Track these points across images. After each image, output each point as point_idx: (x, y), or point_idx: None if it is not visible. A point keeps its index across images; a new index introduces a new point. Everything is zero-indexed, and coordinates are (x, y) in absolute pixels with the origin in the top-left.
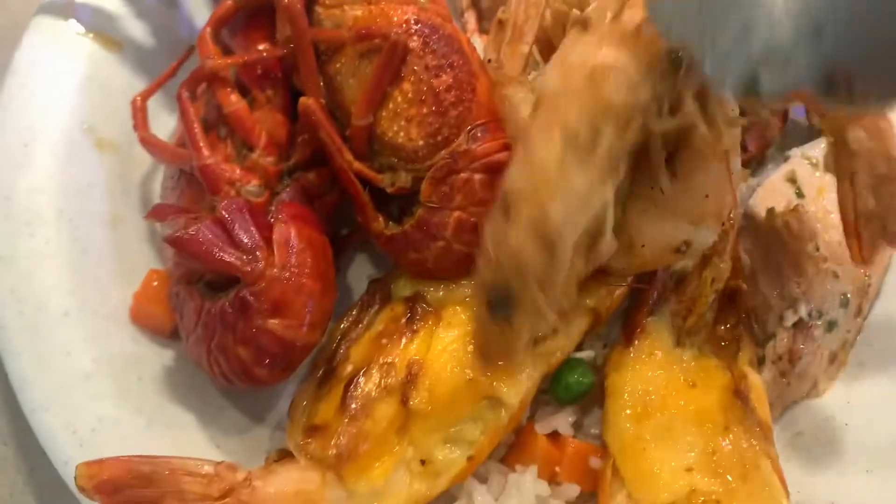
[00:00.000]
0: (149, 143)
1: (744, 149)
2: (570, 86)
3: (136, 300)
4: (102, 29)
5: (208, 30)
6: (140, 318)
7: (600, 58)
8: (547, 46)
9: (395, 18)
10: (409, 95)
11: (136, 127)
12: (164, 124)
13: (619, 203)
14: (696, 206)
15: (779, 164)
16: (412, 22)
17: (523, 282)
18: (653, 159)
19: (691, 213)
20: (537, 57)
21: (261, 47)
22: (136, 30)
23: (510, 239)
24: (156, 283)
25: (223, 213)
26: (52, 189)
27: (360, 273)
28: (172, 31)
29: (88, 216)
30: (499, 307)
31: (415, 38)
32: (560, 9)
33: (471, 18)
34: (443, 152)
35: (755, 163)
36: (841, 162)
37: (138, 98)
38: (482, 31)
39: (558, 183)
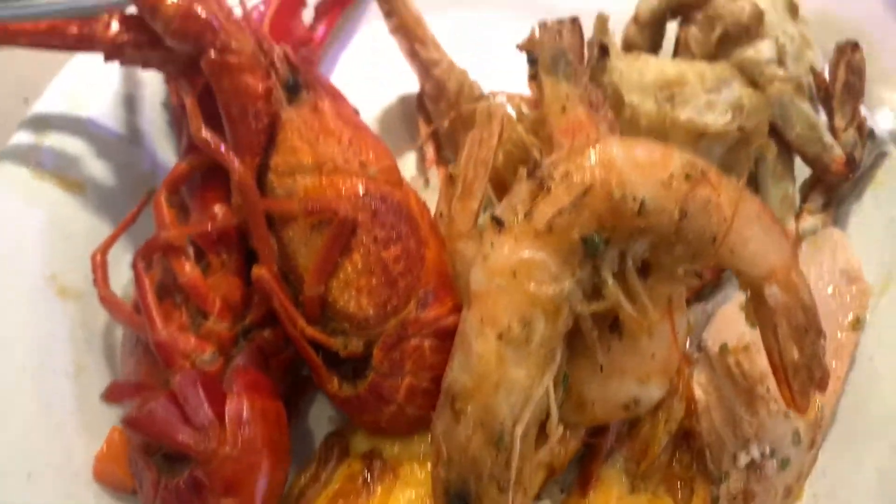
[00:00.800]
0: (108, 302)
1: (699, 275)
2: (496, 285)
3: (98, 461)
4: (64, 171)
5: (164, 193)
6: (104, 478)
7: (519, 256)
8: (500, 186)
9: (344, 191)
10: (359, 266)
11: (95, 283)
12: (129, 269)
13: (558, 385)
14: (642, 365)
15: (735, 288)
16: (360, 194)
17: (478, 479)
18: (587, 340)
19: (638, 372)
20: (491, 196)
21: (216, 208)
22: (98, 169)
23: (459, 436)
24: (118, 441)
25: (177, 388)
26: (14, 343)
27: (321, 415)
28: (135, 167)
29: (50, 369)
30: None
31: (363, 211)
32: (511, 150)
33: (429, 150)
34: (393, 321)
35: (711, 287)
36: (761, 316)
37: (98, 254)
38: (441, 161)
39: (498, 378)
